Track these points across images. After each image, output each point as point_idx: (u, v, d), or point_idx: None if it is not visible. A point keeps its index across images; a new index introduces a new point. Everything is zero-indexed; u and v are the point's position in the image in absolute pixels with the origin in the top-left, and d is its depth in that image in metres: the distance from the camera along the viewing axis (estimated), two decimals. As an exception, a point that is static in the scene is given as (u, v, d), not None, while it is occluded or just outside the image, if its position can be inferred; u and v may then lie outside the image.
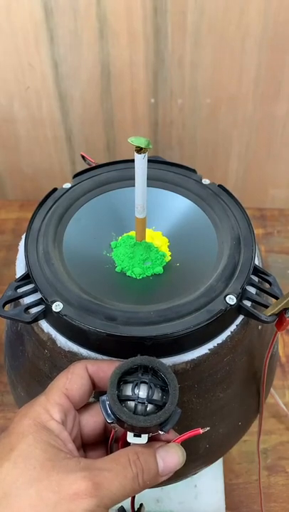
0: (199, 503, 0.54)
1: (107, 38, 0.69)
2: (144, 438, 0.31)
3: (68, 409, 0.32)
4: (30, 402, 0.33)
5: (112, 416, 0.30)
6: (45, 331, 0.38)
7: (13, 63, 0.73)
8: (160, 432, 0.31)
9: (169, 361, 0.36)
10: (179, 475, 0.45)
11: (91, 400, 0.35)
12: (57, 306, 0.36)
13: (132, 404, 0.30)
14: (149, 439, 0.31)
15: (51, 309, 0.36)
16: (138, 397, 0.30)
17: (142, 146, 0.34)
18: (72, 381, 0.33)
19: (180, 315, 0.36)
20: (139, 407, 0.30)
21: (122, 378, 0.31)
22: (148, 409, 0.30)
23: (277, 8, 0.65)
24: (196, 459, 0.43)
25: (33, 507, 0.27)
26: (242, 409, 0.43)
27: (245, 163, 0.84)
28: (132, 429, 0.30)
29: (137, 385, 0.31)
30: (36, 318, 0.38)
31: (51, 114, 0.78)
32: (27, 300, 0.38)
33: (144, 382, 0.31)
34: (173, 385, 0.31)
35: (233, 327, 0.38)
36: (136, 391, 0.31)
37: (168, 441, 0.32)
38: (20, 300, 0.39)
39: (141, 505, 0.38)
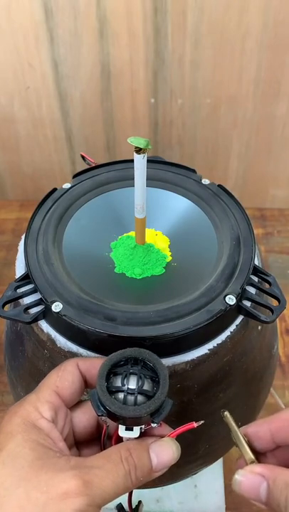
0: (199, 503, 0.54)
1: (107, 38, 0.69)
2: (136, 431, 0.30)
3: (59, 407, 0.32)
4: (20, 400, 0.33)
5: (102, 408, 0.30)
6: (45, 331, 0.38)
7: (13, 63, 0.73)
8: (152, 424, 0.30)
9: (169, 361, 0.36)
10: (179, 475, 0.46)
11: (83, 397, 0.35)
12: (56, 307, 0.36)
13: (121, 395, 0.30)
14: (142, 434, 0.31)
15: (51, 309, 0.36)
16: (128, 388, 0.30)
17: (141, 146, 0.34)
18: (63, 379, 0.33)
19: (180, 315, 0.36)
20: (129, 398, 0.30)
21: (112, 370, 0.31)
22: (138, 399, 0.30)
23: (278, 8, 0.65)
24: (196, 459, 0.43)
25: (21, 508, 0.27)
26: (242, 409, 0.43)
27: (245, 162, 0.84)
28: (123, 420, 0.30)
29: (126, 376, 0.31)
30: (36, 319, 0.38)
31: (51, 114, 0.78)
32: (27, 300, 0.38)
33: (134, 374, 0.31)
34: (163, 374, 0.31)
35: (232, 327, 0.38)
36: (125, 382, 0.30)
37: (162, 437, 0.32)
38: (20, 300, 0.39)
39: (139, 502, 0.38)
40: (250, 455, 0.32)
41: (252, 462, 0.31)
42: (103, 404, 0.30)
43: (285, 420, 0.32)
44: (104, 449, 0.32)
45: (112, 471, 0.29)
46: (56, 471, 0.28)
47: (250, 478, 0.30)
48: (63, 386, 0.33)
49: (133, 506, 0.37)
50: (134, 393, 0.30)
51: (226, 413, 0.32)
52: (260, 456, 0.33)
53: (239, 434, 0.32)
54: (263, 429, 0.32)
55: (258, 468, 0.30)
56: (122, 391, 0.30)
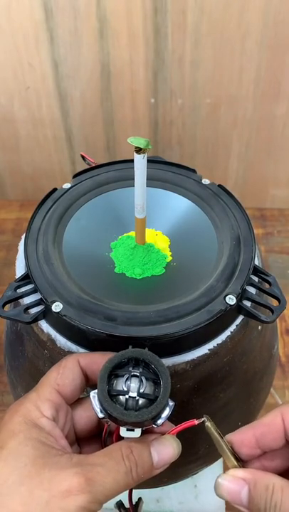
0: (199, 503, 0.54)
1: (107, 38, 0.69)
2: (137, 432, 0.31)
3: (60, 405, 0.32)
4: (20, 398, 0.33)
5: (104, 411, 0.30)
6: (45, 331, 0.38)
7: (13, 63, 0.73)
8: (153, 425, 0.30)
9: (169, 361, 0.36)
10: (179, 475, 0.46)
11: (83, 394, 0.35)
12: (56, 307, 0.36)
13: (123, 398, 0.30)
14: (144, 432, 0.31)
15: (51, 309, 0.36)
16: (129, 391, 0.30)
17: (142, 146, 0.34)
18: (63, 376, 0.33)
19: (180, 315, 0.36)
20: (130, 402, 0.30)
21: (113, 372, 0.31)
22: (140, 403, 0.30)
23: (278, 8, 0.65)
24: (196, 459, 0.43)
25: (24, 505, 0.27)
26: (242, 409, 0.43)
27: (245, 162, 0.84)
28: (124, 424, 0.30)
29: (128, 378, 0.30)
30: (36, 319, 0.38)
31: (51, 114, 0.78)
32: (27, 300, 0.38)
33: (135, 376, 0.31)
34: (165, 377, 0.31)
35: (232, 327, 0.38)
36: (127, 385, 0.30)
37: (163, 433, 0.32)
38: (20, 300, 0.39)
39: (139, 499, 0.38)
40: (233, 462, 0.31)
41: (235, 468, 0.31)
42: (105, 408, 0.30)
43: (268, 425, 0.32)
44: (106, 446, 0.32)
45: (114, 468, 0.29)
46: (58, 469, 0.28)
47: (232, 481, 0.30)
48: (64, 384, 0.33)
49: (133, 503, 0.37)
50: (135, 397, 0.30)
51: (207, 423, 0.32)
52: (246, 463, 0.33)
53: (221, 442, 0.32)
54: (247, 436, 0.32)
55: (239, 472, 0.30)
56: (124, 394, 0.30)
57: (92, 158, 0.50)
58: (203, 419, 0.32)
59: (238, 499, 0.30)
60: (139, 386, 0.30)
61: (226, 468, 0.57)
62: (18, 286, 0.39)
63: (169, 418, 0.31)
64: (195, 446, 0.41)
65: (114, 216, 0.45)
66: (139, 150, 0.35)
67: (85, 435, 0.35)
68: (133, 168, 0.37)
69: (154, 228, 0.44)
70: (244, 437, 0.32)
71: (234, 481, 0.30)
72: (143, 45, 0.70)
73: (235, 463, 0.31)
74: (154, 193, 0.45)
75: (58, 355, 0.38)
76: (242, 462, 0.32)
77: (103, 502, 0.28)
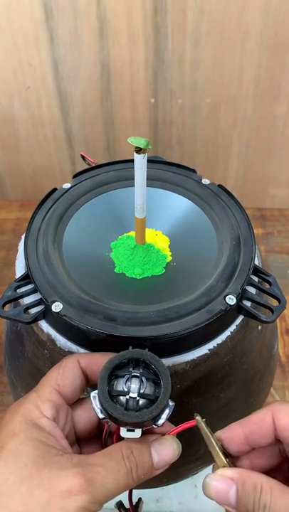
0: (199, 503, 0.54)
1: (107, 38, 0.69)
2: (137, 432, 0.31)
3: (60, 406, 0.32)
4: (21, 398, 0.33)
5: (104, 412, 0.30)
6: (45, 331, 0.38)
7: (13, 63, 0.73)
8: (154, 425, 0.30)
9: (169, 361, 0.36)
10: (179, 475, 0.46)
11: (84, 395, 0.35)
12: (56, 307, 0.36)
13: (123, 399, 0.30)
14: (144, 432, 0.31)
15: (51, 309, 0.36)
16: (129, 391, 0.30)
17: (142, 146, 0.34)
18: (63, 376, 0.33)
19: (180, 315, 0.36)
20: (131, 402, 0.30)
21: (113, 373, 0.31)
22: (140, 403, 0.30)
23: (278, 8, 0.65)
24: (196, 459, 0.43)
25: (24, 505, 0.27)
26: (242, 409, 0.43)
27: (245, 163, 0.84)
28: (125, 424, 0.30)
29: (128, 379, 0.31)
30: (36, 319, 0.38)
31: (51, 114, 0.78)
32: (27, 300, 0.38)
33: (136, 376, 0.31)
34: (165, 378, 0.31)
35: (232, 327, 0.38)
36: (127, 386, 0.30)
37: (163, 434, 0.32)
38: (20, 300, 0.39)
39: (139, 499, 0.38)
40: (222, 460, 0.31)
41: (224, 467, 0.31)
42: (105, 409, 0.30)
43: (257, 423, 0.32)
44: (106, 446, 0.32)
45: (114, 468, 0.29)
46: (59, 469, 0.28)
47: (220, 481, 0.30)
48: (64, 384, 0.33)
49: (133, 503, 0.37)
50: (136, 397, 0.30)
51: (198, 418, 0.32)
52: (234, 459, 0.33)
53: (211, 439, 0.31)
54: (236, 432, 0.32)
55: (228, 471, 0.30)
56: (124, 395, 0.30)
57: (92, 158, 0.50)
58: (203, 419, 0.32)
59: (226, 499, 0.29)
60: (140, 386, 0.30)
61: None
62: (18, 286, 0.39)
63: (169, 418, 0.31)
64: (195, 446, 0.41)
65: (114, 216, 0.45)
66: (139, 150, 0.35)
67: (85, 435, 0.35)
68: (133, 168, 0.37)
69: (154, 228, 0.44)
70: (233, 434, 0.32)
71: (222, 481, 0.30)
72: (143, 45, 0.70)
73: (224, 460, 0.31)
74: (154, 193, 0.45)
75: (58, 355, 0.38)
76: (231, 459, 0.32)
77: (103, 502, 0.28)
